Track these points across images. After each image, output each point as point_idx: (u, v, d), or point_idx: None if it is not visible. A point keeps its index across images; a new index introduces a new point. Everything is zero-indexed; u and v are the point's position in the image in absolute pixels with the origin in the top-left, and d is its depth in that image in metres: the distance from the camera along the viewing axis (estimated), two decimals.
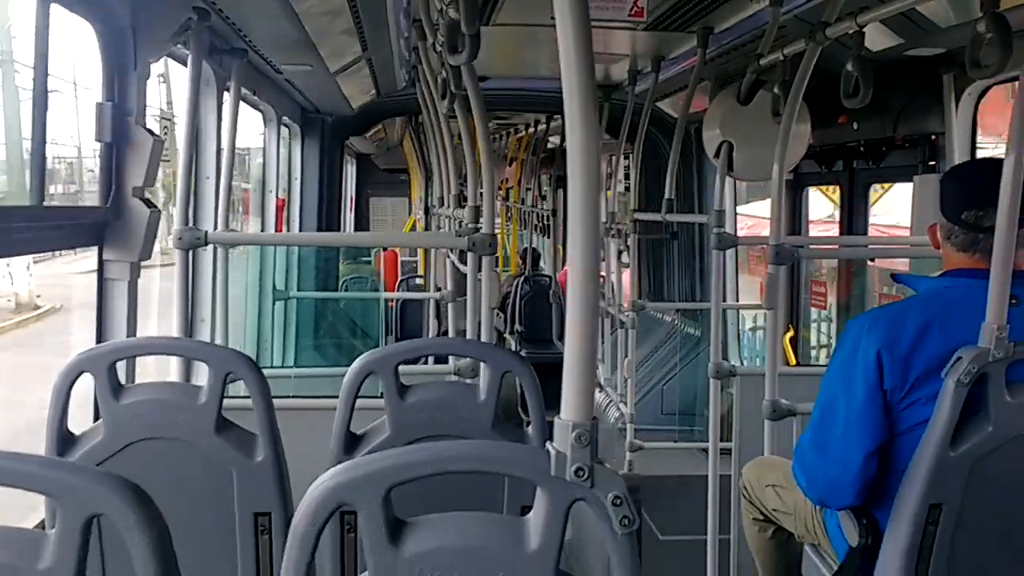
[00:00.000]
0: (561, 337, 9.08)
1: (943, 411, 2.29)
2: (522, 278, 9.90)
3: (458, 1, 2.25)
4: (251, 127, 5.70)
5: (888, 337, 2.38)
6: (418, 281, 10.56)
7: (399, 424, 2.38)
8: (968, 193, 2.47)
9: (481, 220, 3.61)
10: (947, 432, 2.29)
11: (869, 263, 5.24)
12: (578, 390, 1.38)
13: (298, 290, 6.49)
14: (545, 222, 10.97)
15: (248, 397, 2.35)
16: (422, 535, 1.36)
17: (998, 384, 2.30)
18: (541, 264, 11.08)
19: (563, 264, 9.87)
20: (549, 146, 10.27)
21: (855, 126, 4.42)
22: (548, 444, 1.39)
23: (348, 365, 2.46)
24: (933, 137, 4.20)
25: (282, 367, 5.86)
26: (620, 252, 6.39)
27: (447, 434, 2.33)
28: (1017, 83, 2.32)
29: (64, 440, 2.24)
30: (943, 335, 2.36)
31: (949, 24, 3.46)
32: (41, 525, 2.27)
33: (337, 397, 2.43)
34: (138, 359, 2.95)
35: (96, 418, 2.70)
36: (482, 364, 2.50)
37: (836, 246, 5.25)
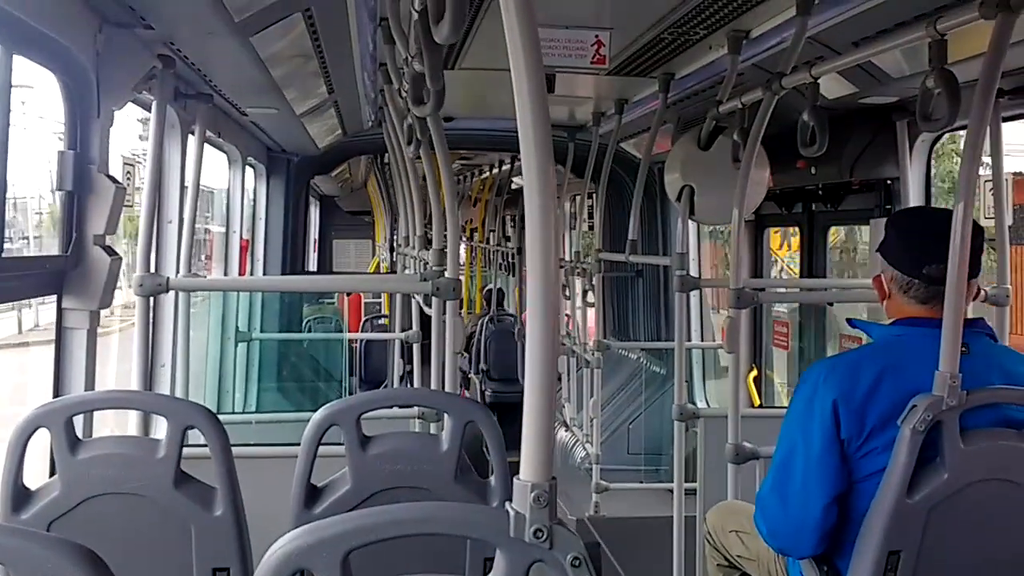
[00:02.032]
0: None
1: (899, 459, 2.33)
2: (487, 317, 9.92)
3: (423, 55, 2.28)
4: (214, 167, 5.68)
5: (844, 387, 2.41)
6: (382, 321, 10.53)
7: (360, 476, 2.36)
8: (928, 247, 2.46)
9: (446, 263, 3.62)
10: (904, 479, 2.32)
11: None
12: (537, 449, 1.38)
13: (261, 331, 6.43)
14: (510, 260, 11.02)
15: (205, 446, 2.33)
16: None
17: (952, 431, 2.34)
18: (505, 304, 11.11)
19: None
20: (513, 187, 10.35)
21: (813, 171, 4.51)
22: (507, 505, 1.39)
23: (310, 408, 2.45)
24: (888, 181, 4.30)
25: (244, 412, 5.79)
26: (585, 291, 6.42)
27: (409, 486, 2.32)
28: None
29: (19, 496, 2.20)
30: (897, 384, 2.40)
31: (901, 74, 3.56)
32: None
33: (294, 444, 2.41)
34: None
35: (52, 472, 2.66)
36: (445, 414, 2.50)
37: (797, 289, 5.33)
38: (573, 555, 1.37)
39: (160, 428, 3.16)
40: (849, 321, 2.94)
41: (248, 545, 2.29)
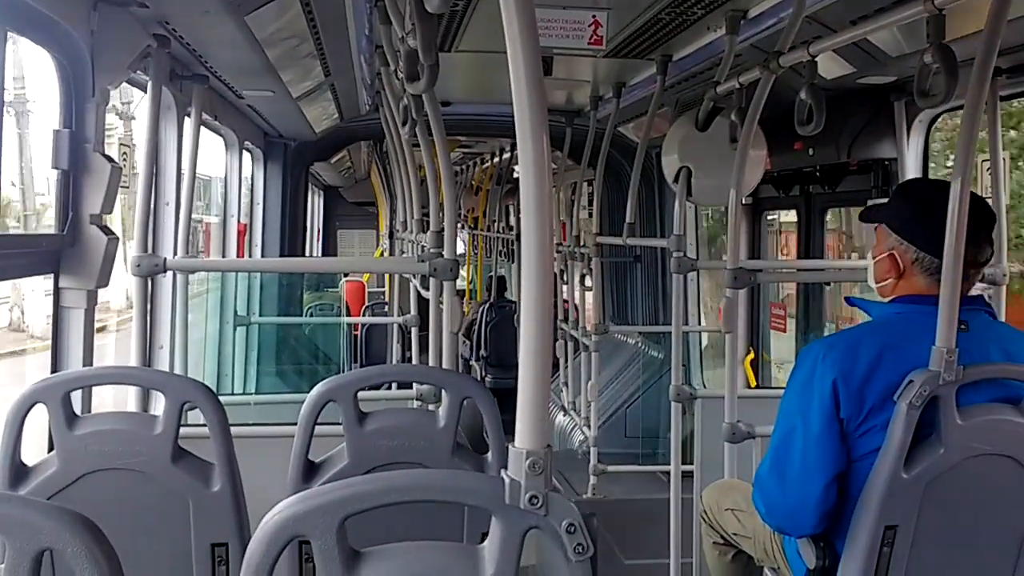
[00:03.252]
0: None
1: (896, 434, 2.33)
2: (487, 305, 9.92)
3: (416, 29, 2.27)
4: (211, 152, 5.67)
5: (843, 366, 2.40)
6: (384, 308, 10.55)
7: (358, 452, 2.37)
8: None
9: (443, 245, 3.62)
10: (900, 455, 2.33)
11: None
12: (532, 418, 1.39)
13: (260, 315, 6.43)
14: (510, 247, 11.02)
15: (204, 425, 2.33)
16: (377, 565, 1.36)
17: (949, 407, 2.35)
18: (508, 291, 11.12)
19: None
20: (515, 175, 10.33)
21: (811, 152, 4.51)
22: (503, 472, 1.40)
23: (309, 391, 2.45)
24: (886, 162, 4.29)
25: (243, 394, 5.80)
26: (583, 275, 6.42)
27: (406, 461, 2.33)
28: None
29: (17, 472, 2.21)
30: (896, 362, 2.40)
31: (900, 53, 3.55)
32: None
33: (292, 423, 2.41)
34: (97, 388, 2.91)
35: (51, 448, 2.66)
36: (442, 390, 2.50)
37: (794, 269, 5.33)
38: (568, 521, 1.37)
39: (159, 407, 3.18)
40: (847, 299, 2.94)
41: (247, 520, 2.30)
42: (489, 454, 2.41)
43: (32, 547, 1.26)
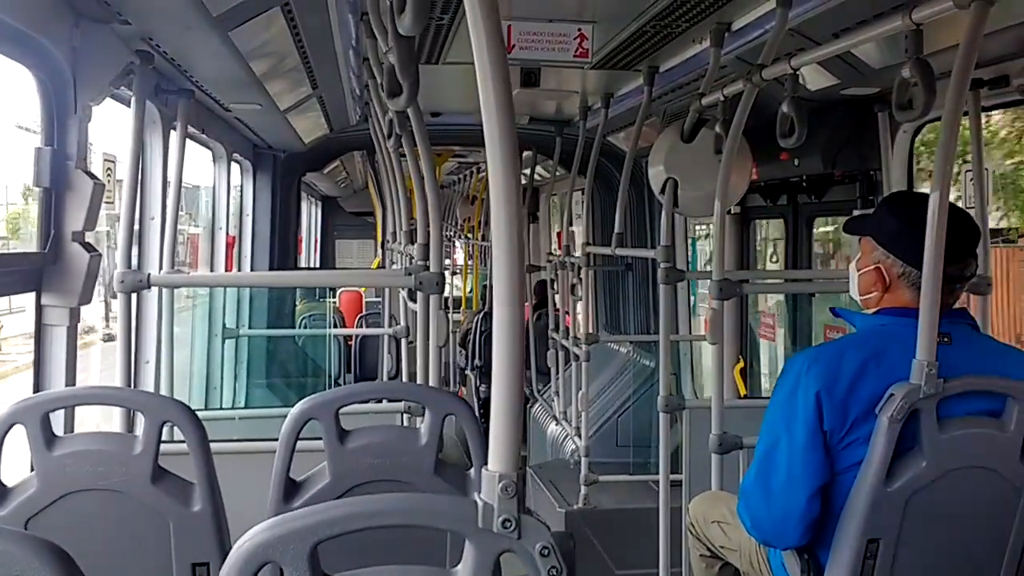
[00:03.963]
0: None
1: (878, 447, 2.34)
2: (482, 314, 9.91)
3: (393, 49, 2.27)
4: (197, 162, 5.65)
5: (827, 378, 2.41)
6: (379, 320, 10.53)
7: (339, 470, 2.37)
8: (950, 246, 2.37)
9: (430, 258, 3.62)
10: (882, 468, 2.33)
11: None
12: (504, 440, 1.39)
13: (249, 327, 6.41)
14: None
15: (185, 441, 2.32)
16: None
17: (930, 420, 2.35)
18: None
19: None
20: None
21: (796, 162, 4.52)
22: (475, 495, 1.39)
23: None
24: (871, 172, 4.30)
25: (230, 408, 5.77)
26: (573, 285, 6.43)
27: (388, 479, 2.32)
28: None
29: None
30: (879, 374, 2.40)
31: (882, 65, 3.56)
32: None
33: (274, 439, 2.41)
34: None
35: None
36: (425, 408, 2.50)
37: (780, 280, 5.34)
38: (542, 544, 1.37)
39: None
40: (832, 310, 2.94)
41: (228, 540, 2.29)
42: (472, 471, 2.40)
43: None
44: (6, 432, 2.21)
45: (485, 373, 9.52)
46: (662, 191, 4.16)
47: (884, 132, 4.09)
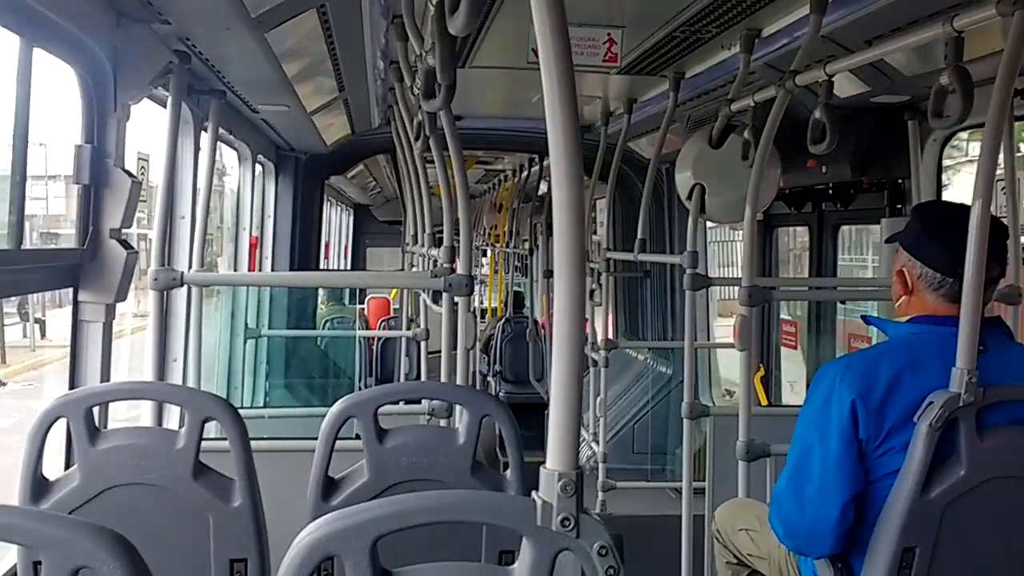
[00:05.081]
0: (538, 378, 9.08)
1: (916, 455, 2.33)
2: (504, 320, 9.95)
3: (436, 49, 2.28)
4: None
5: (862, 386, 2.40)
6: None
7: (377, 469, 2.37)
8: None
9: (457, 260, 3.63)
10: (920, 476, 2.33)
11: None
12: (564, 439, 1.39)
13: (269, 328, 6.43)
14: (524, 263, 11.02)
15: (222, 439, 2.33)
16: None
17: (970, 428, 2.34)
18: (524, 307, 11.12)
19: (544, 306, 9.90)
20: (539, 192, 10.32)
21: (824, 169, 4.52)
22: (534, 494, 1.40)
23: (320, 405, 2.46)
24: (900, 181, 4.30)
25: (252, 407, 5.79)
26: (592, 291, 6.43)
27: (426, 479, 2.32)
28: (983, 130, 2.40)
29: (38, 486, 2.21)
30: (915, 382, 2.40)
31: (913, 73, 3.56)
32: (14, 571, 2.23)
33: (309, 438, 2.41)
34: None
35: (67, 464, 2.67)
36: (460, 408, 2.50)
37: (806, 287, 5.33)
38: (600, 544, 1.37)
39: (172, 420, 3.18)
40: (864, 318, 2.94)
41: (265, 536, 2.29)
42: (508, 472, 2.40)
43: (68, 565, 1.27)
44: (50, 426, 2.22)
45: (507, 379, 9.54)
46: (688, 197, 4.16)
47: (914, 140, 4.09)
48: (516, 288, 11.05)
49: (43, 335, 15.76)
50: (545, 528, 1.36)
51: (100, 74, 2.81)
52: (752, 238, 3.59)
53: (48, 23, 2.50)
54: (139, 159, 3.66)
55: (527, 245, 11.04)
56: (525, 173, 9.42)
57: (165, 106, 3.39)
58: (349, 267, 14.13)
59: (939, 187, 4.24)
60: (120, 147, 2.89)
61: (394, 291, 12.03)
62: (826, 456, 2.44)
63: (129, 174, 2.91)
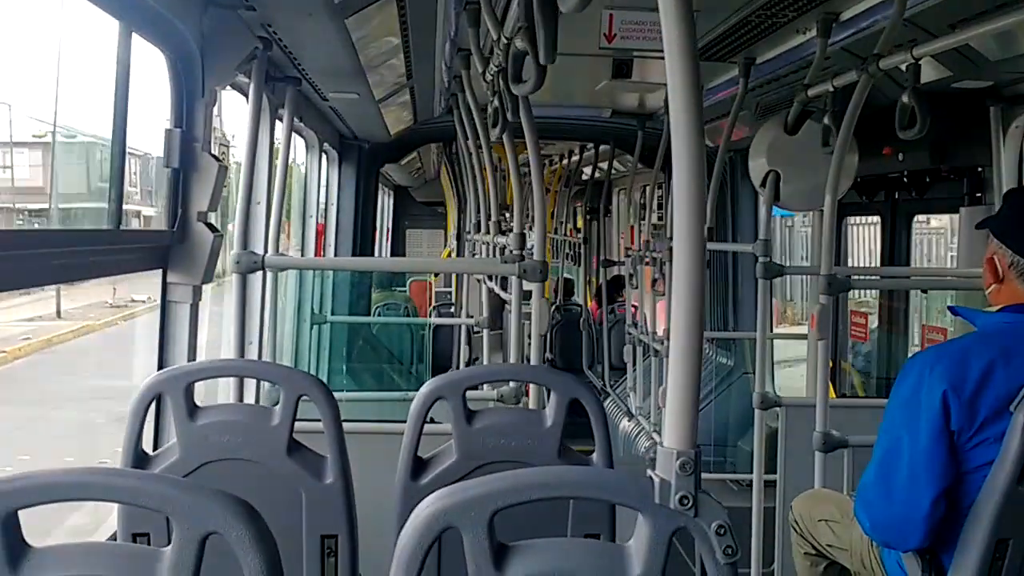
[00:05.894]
0: (591, 366, 9.06)
1: (1012, 446, 2.28)
2: (553, 307, 9.94)
3: (534, 29, 2.28)
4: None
5: (953, 377, 2.36)
6: (451, 310, 10.62)
7: (466, 449, 2.39)
8: None
9: (527, 247, 3.63)
10: (1016, 467, 2.28)
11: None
12: (682, 418, 1.39)
13: (332, 314, 6.52)
14: (577, 251, 10.99)
15: (310, 420, 2.37)
16: (526, 559, 1.37)
17: None
18: (574, 294, 11.11)
19: (594, 294, 9.86)
20: (583, 177, 10.28)
21: (900, 157, 4.43)
22: (650, 472, 1.40)
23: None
24: (979, 169, 4.20)
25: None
26: (654, 280, 6.39)
27: (514, 460, 2.34)
28: None
29: (139, 460, 2.27)
30: (1008, 373, 2.35)
31: (997, 58, 3.47)
32: (113, 536, 2.29)
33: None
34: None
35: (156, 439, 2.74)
36: (532, 394, 2.51)
37: (888, 276, 5.22)
38: (719, 523, 1.37)
39: (249, 398, 3.25)
40: (951, 308, 2.88)
41: (355, 513, 2.33)
42: (595, 455, 2.41)
43: (199, 531, 1.30)
44: (151, 401, 2.28)
45: (557, 366, 9.53)
46: (762, 184, 4.11)
47: (996, 127, 3.99)
48: (567, 276, 11.04)
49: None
50: (663, 506, 1.36)
51: (189, 59, 2.87)
52: (832, 226, 3.54)
53: (143, 8, 2.55)
54: (220, 144, 3.72)
55: (573, 232, 11.01)
56: (576, 158, 9.39)
57: (241, 93, 3.44)
58: (390, 250, 14.13)
59: (1020, 175, 4.13)
60: (208, 132, 2.95)
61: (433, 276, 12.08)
62: (915, 448, 2.40)
63: (216, 158, 2.96)
